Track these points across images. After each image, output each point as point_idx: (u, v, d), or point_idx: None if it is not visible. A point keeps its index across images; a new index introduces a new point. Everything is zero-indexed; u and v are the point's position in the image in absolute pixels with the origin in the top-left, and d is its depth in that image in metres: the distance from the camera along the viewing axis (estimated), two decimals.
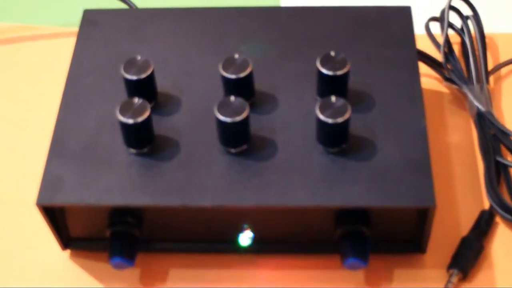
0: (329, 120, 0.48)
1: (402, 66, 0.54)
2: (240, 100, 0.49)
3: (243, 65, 0.51)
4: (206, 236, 0.52)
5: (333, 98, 0.49)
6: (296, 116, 0.52)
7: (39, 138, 0.57)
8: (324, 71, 0.50)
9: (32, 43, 0.67)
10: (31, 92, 0.64)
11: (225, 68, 0.51)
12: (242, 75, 0.51)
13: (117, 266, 0.50)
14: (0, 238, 0.55)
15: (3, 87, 0.64)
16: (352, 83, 0.52)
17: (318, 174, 0.49)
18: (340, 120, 0.48)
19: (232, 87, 0.51)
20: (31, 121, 0.62)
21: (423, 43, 0.61)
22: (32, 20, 0.69)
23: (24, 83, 0.64)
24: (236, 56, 0.51)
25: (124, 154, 0.50)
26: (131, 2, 0.65)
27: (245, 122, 0.49)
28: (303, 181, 0.48)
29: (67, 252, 0.54)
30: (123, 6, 0.65)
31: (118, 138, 0.51)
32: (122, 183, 0.49)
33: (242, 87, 0.51)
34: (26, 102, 0.63)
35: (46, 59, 0.66)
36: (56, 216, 0.51)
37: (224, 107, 0.49)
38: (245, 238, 0.51)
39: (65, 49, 0.58)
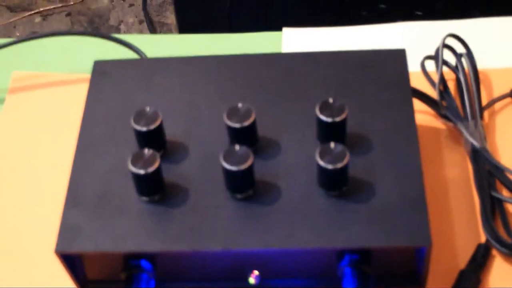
0: (329, 166, 0.51)
1: (398, 108, 0.57)
2: (244, 148, 0.52)
3: (246, 114, 0.54)
4: (216, 277, 0.55)
5: (332, 145, 0.51)
6: (298, 160, 0.54)
7: (56, 185, 0.60)
8: (323, 118, 0.53)
9: (46, 90, 0.70)
10: (47, 138, 0.66)
11: (229, 117, 0.54)
12: (246, 124, 0.53)
13: None
14: (19, 282, 0.58)
15: (21, 135, 0.67)
16: (350, 126, 0.55)
17: (320, 217, 0.51)
18: (339, 165, 0.51)
19: (237, 135, 0.54)
20: (48, 168, 0.64)
21: (419, 81, 0.64)
22: (46, 68, 0.72)
23: (41, 130, 0.67)
24: (240, 105, 0.54)
25: (136, 201, 0.53)
26: (141, 51, 0.68)
27: (249, 169, 0.51)
28: (306, 224, 0.51)
29: None
30: (133, 55, 0.68)
31: (130, 186, 0.54)
32: (135, 230, 0.52)
33: (246, 135, 0.54)
34: (42, 149, 0.65)
35: (62, 106, 0.68)
36: (73, 261, 0.54)
37: (229, 156, 0.51)
38: (253, 277, 0.54)
39: (80, 95, 0.61)
